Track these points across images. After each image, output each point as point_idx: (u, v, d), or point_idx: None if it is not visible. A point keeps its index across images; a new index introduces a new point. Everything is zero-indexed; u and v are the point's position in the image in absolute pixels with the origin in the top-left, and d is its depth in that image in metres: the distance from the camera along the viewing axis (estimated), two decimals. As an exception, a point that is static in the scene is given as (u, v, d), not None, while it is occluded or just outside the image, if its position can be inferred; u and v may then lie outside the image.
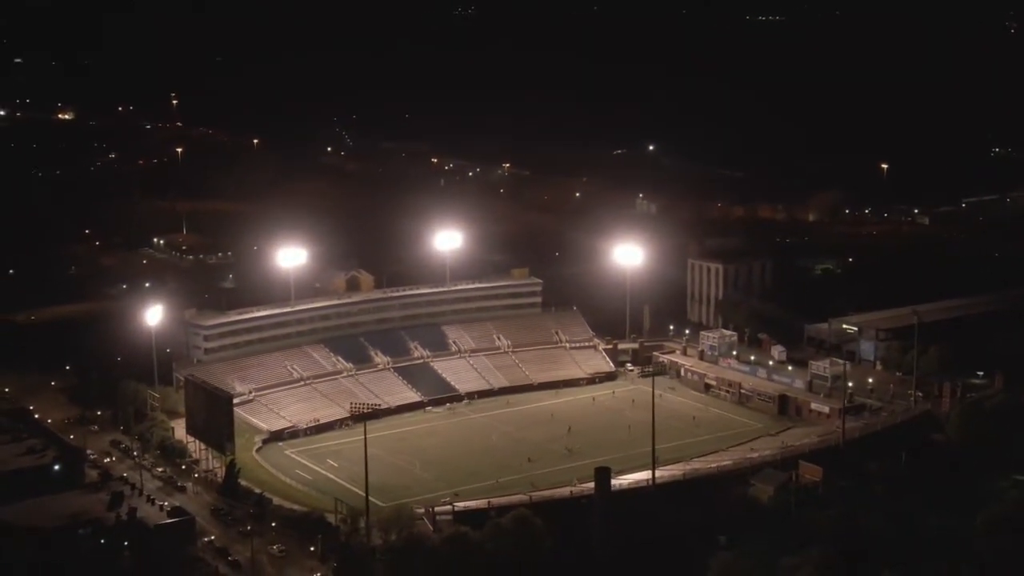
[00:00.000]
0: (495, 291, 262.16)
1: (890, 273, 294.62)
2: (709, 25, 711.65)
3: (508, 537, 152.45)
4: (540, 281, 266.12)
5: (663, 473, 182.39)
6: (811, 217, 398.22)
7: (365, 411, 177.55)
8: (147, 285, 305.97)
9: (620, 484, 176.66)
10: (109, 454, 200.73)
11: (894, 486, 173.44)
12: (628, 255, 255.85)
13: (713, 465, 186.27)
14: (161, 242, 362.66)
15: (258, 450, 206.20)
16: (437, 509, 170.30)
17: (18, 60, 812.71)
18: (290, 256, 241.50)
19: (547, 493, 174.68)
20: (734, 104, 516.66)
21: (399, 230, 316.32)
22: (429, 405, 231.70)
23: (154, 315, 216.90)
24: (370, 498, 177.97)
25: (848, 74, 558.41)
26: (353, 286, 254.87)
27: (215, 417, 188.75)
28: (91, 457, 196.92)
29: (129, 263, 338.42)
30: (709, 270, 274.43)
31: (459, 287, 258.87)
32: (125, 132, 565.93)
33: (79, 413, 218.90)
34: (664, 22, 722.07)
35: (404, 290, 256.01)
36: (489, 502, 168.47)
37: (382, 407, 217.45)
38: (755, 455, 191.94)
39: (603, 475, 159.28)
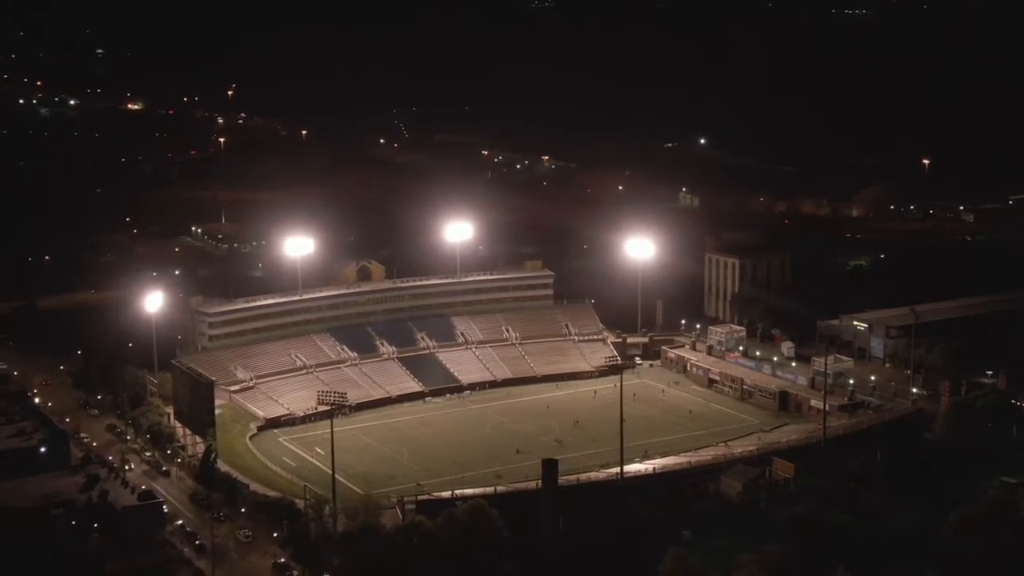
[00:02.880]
0: (506, 283, 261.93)
1: (922, 270, 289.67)
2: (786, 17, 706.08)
3: (461, 527, 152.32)
4: (552, 273, 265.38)
5: (640, 467, 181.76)
6: (855, 213, 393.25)
7: (333, 400, 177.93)
8: (176, 272, 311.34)
9: (592, 478, 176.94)
10: (95, 438, 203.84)
11: (866, 484, 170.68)
12: (639, 249, 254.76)
13: (686, 460, 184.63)
14: (199, 230, 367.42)
15: (252, 437, 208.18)
16: (407, 498, 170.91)
17: (99, 51, 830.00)
18: (297, 245, 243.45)
19: (512, 486, 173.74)
20: (790, 99, 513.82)
21: (428, 221, 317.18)
22: (429, 395, 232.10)
23: (154, 302, 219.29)
24: (351, 486, 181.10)
25: (911, 69, 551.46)
26: (364, 276, 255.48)
27: (197, 403, 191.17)
28: (84, 440, 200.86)
29: (164, 251, 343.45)
30: (725, 264, 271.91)
31: (469, 279, 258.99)
32: (186, 122, 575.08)
33: (83, 397, 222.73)
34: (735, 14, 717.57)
35: (413, 281, 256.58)
36: (453, 493, 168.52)
37: (379, 397, 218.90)
38: (738, 451, 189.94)
39: (550, 468, 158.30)
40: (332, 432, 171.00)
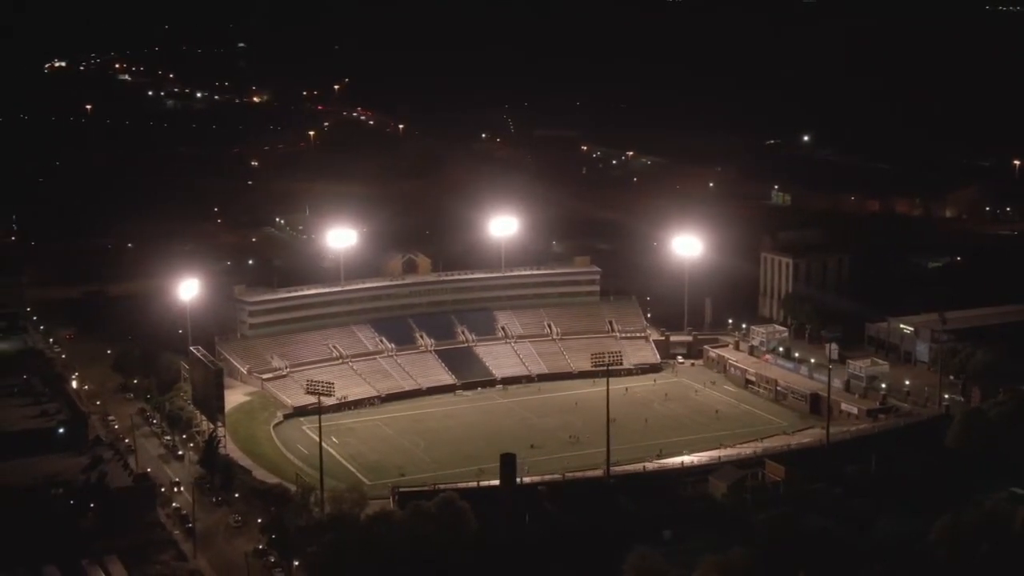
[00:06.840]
0: (550, 278, 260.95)
1: (996, 273, 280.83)
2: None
3: (430, 519, 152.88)
4: (598, 270, 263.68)
5: (632, 466, 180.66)
6: (948, 213, 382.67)
7: (320, 391, 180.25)
8: (250, 262, 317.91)
9: (582, 475, 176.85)
10: (122, 421, 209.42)
11: (861, 490, 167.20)
12: (686, 246, 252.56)
13: (679, 460, 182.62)
14: (282, 221, 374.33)
15: (277, 424, 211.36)
16: (398, 489, 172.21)
17: (241, 44, 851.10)
18: (340, 237, 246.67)
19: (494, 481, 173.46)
20: (904, 100, 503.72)
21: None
22: (461, 388, 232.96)
23: (189, 289, 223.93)
24: (359, 475, 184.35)
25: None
26: (410, 268, 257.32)
27: (209, 389, 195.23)
28: (110, 422, 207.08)
29: (245, 241, 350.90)
30: (780, 264, 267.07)
31: (512, 273, 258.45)
32: (295, 115, 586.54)
33: (121, 381, 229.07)
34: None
35: (457, 274, 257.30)
36: (435, 485, 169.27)
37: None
38: (746, 452, 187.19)
39: (508, 462, 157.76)
40: (320, 423, 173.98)
